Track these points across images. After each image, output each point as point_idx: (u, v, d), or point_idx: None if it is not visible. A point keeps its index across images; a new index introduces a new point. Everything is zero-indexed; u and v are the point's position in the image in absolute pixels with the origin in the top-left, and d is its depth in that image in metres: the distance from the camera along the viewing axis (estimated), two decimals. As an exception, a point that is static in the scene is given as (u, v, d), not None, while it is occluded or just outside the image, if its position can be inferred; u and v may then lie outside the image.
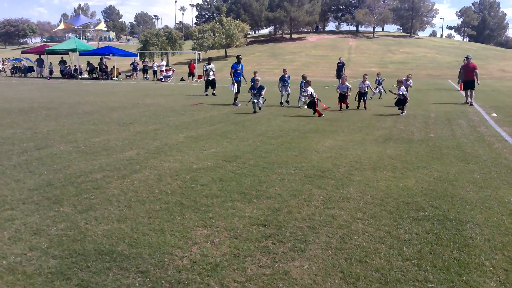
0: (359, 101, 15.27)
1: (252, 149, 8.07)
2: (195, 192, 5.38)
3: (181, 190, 5.48)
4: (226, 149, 8.04)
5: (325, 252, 3.74)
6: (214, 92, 20.80)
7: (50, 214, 4.56)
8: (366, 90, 15.52)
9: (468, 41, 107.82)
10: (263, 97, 14.12)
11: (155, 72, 39.21)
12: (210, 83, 20.53)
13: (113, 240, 3.93)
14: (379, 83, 20.21)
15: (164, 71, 37.95)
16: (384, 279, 3.28)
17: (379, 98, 19.73)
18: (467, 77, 17.38)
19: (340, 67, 29.25)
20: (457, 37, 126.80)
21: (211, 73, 20.42)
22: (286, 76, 16.43)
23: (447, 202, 5.09)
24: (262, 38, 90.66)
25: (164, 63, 41.80)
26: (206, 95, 20.54)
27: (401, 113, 13.55)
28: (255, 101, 13.74)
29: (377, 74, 21.17)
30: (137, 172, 6.31)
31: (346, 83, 14.65)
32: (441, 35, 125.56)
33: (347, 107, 14.94)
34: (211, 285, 3.18)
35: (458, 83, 21.13)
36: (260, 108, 14.03)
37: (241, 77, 17.26)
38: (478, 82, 17.66)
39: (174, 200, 5.08)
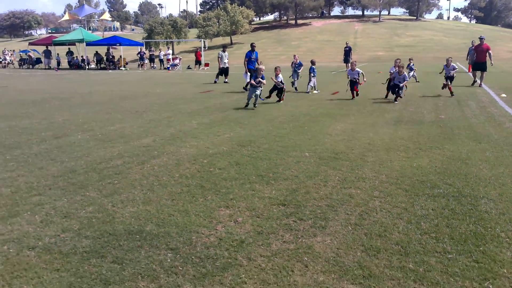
0: (388, 91, 13.56)
1: (265, 133, 8.20)
2: (214, 176, 5.53)
3: (200, 174, 5.63)
4: (239, 134, 8.18)
5: (345, 228, 3.88)
6: (226, 80, 20.87)
7: (77, 198, 4.73)
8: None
9: (475, 23, 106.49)
10: (261, 90, 12.13)
11: (161, 61, 39.30)
12: (224, 71, 20.62)
13: (141, 221, 4.10)
14: (410, 69, 19.86)
15: (171, 59, 38.02)
16: (404, 251, 3.42)
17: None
18: (480, 59, 17.20)
19: (347, 52, 29.15)
20: (464, 19, 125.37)
21: (226, 60, 20.50)
22: (297, 62, 16.41)
23: (461, 180, 5.20)
24: (267, 25, 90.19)
25: (170, 51, 41.83)
26: (215, 82, 20.61)
27: (394, 101, 12.68)
28: (254, 92, 11.84)
29: (410, 60, 20.57)
30: (155, 158, 6.48)
31: (357, 69, 13.63)
32: (448, 18, 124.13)
33: (357, 94, 13.71)
34: (239, 260, 3.34)
35: (468, 64, 20.92)
36: (254, 105, 11.92)
37: (255, 65, 17.00)
38: (492, 62, 17.57)
39: (195, 183, 5.23)
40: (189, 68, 37.19)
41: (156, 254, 3.45)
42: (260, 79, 11.81)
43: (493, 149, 6.73)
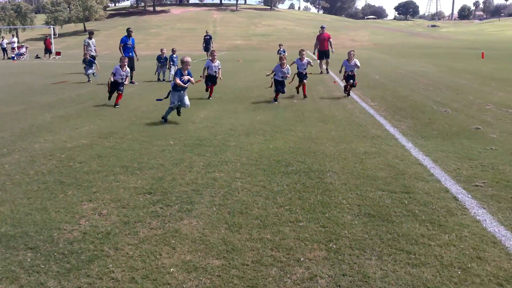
0: (299, 86, 11.78)
1: (128, 124, 8.05)
2: (74, 170, 5.32)
3: (58, 169, 5.36)
4: (100, 126, 7.91)
5: (210, 209, 4.11)
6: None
7: None
8: (305, 68, 11.60)
9: (323, 13, 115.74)
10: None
11: (4, 50, 35.29)
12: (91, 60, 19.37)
13: (-7, 223, 3.81)
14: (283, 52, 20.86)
15: (16, 48, 34.39)
16: (262, 224, 3.77)
17: None
18: (322, 47, 18.83)
19: (208, 40, 29.48)
20: (313, 10, 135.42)
21: (93, 48, 19.25)
22: (164, 56, 16.08)
23: (311, 157, 5.81)
24: (124, 11, 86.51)
25: (15, 39, 37.74)
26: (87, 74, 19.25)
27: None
28: (181, 100, 8.30)
29: (280, 45, 21.55)
30: (5, 155, 5.96)
31: (217, 61, 11.48)
32: (299, 8, 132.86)
33: (211, 90, 11.50)
34: (105, 251, 3.34)
35: (314, 53, 22.67)
36: (179, 112, 8.57)
37: (133, 52, 15.62)
38: (333, 50, 19.30)
39: (53, 179, 4.98)
40: (37, 57, 34.08)
41: (14, 255, 3.27)
42: (188, 76, 8.25)
43: (337, 129, 7.58)
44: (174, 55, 16.18)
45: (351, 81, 11.11)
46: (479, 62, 23.23)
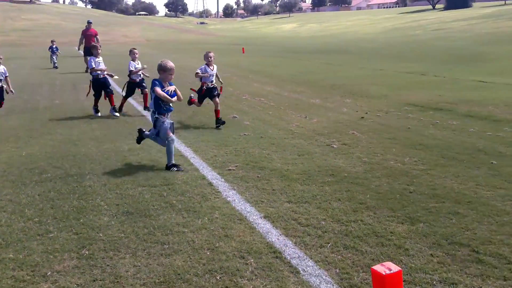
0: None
1: None
2: None
3: None
4: None
5: None
6: None
7: None
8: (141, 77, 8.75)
9: (91, 7, 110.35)
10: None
11: None
12: None
13: None
14: (53, 51, 19.55)
15: None
16: (5, 242, 3.33)
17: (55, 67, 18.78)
18: (88, 43, 17.84)
19: None
20: (80, 4, 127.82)
21: None
22: None
23: (70, 161, 5.43)
24: None
25: None
26: None
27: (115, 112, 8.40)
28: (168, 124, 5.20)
29: (52, 42, 19.72)
30: None
31: (2, 66, 7.95)
32: (64, 1, 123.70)
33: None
34: None
35: (79, 49, 21.55)
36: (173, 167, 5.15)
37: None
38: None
39: None
40: None
41: None
42: (170, 87, 5.18)
43: (102, 128, 7.29)
44: None
45: (216, 94, 7.58)
46: (240, 56, 25.62)
